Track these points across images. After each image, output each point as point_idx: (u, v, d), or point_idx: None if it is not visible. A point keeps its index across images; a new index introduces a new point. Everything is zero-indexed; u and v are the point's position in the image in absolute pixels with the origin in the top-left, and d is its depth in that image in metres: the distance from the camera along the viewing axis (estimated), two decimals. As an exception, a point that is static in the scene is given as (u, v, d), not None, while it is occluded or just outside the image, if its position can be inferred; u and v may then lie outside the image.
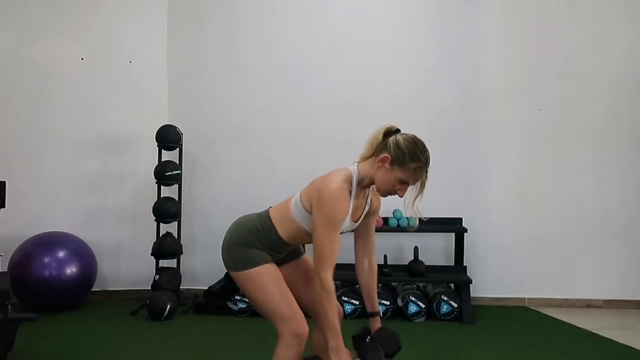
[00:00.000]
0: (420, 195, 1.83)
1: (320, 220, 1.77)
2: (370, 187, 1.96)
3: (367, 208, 1.96)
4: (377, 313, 2.05)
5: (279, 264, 1.97)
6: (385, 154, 1.80)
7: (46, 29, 4.45)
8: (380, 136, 1.85)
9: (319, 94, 4.53)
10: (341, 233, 1.89)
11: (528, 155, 4.44)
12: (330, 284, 1.76)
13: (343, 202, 1.79)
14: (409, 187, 1.84)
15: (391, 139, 1.82)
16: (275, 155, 4.57)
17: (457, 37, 4.49)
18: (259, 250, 1.91)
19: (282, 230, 1.92)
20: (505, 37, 4.46)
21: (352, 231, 2.02)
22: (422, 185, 1.83)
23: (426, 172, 1.82)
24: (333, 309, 1.77)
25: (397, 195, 1.85)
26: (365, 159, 1.88)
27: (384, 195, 1.89)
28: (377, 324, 2.03)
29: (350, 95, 4.46)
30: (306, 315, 1.91)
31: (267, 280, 1.86)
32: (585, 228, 4.39)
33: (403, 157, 1.78)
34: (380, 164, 1.82)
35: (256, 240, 1.91)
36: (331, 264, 1.77)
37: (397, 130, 1.87)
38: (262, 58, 4.59)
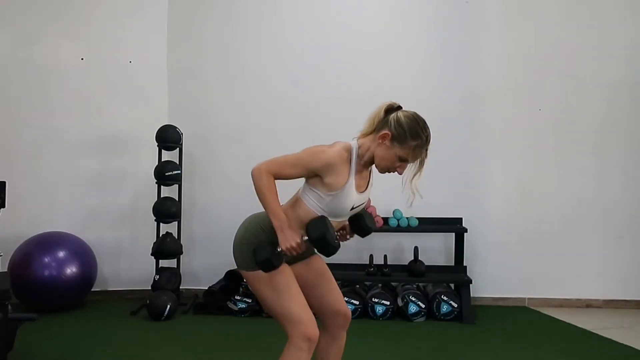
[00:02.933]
0: (419, 173, 1.82)
1: (300, 152, 1.81)
2: (372, 169, 1.94)
3: (369, 187, 1.95)
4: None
5: (289, 263, 1.94)
6: (386, 131, 1.79)
7: (46, 29, 4.45)
8: (382, 112, 1.85)
9: (319, 94, 4.53)
10: (352, 209, 1.88)
11: (528, 155, 4.44)
12: (263, 172, 1.77)
13: (334, 161, 1.78)
14: (408, 165, 1.83)
15: (392, 115, 1.81)
16: (275, 155, 4.55)
17: (457, 37, 4.49)
18: None
19: (294, 222, 1.88)
20: (505, 37, 4.46)
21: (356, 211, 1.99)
22: (422, 164, 1.82)
23: (426, 150, 1.81)
24: (270, 191, 1.77)
25: (396, 172, 1.85)
26: (365, 135, 1.88)
27: (383, 172, 1.88)
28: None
29: (350, 95, 4.45)
30: (314, 315, 1.88)
31: (278, 282, 1.82)
32: (585, 228, 4.38)
33: (403, 134, 1.77)
34: (380, 141, 1.81)
35: (268, 239, 1.86)
36: (274, 168, 1.79)
37: (399, 107, 1.86)
38: (262, 57, 4.59)
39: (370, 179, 1.96)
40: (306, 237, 1.78)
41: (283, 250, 1.76)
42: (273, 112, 4.57)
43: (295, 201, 1.92)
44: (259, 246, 1.78)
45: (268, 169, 1.80)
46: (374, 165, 1.91)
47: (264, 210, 1.95)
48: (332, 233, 1.76)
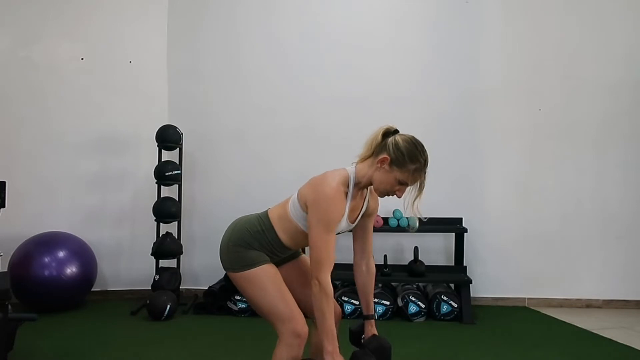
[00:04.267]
0: (419, 197, 1.83)
1: (315, 222, 1.77)
2: (368, 188, 1.95)
3: (364, 209, 1.96)
4: (372, 316, 2.05)
5: (277, 265, 1.96)
6: (384, 155, 1.80)
7: (46, 29, 4.45)
8: (379, 137, 1.85)
9: (319, 93, 4.53)
10: (338, 234, 1.89)
11: (528, 155, 4.44)
12: (329, 287, 1.75)
13: (338, 204, 1.79)
14: (408, 188, 1.84)
15: (390, 139, 1.82)
16: (275, 155, 4.57)
17: (457, 37, 4.49)
18: (258, 251, 1.90)
19: (281, 232, 1.92)
20: (505, 37, 4.46)
21: (350, 231, 2.02)
22: (421, 186, 1.83)
23: (425, 173, 1.82)
24: (331, 313, 1.76)
25: (395, 196, 1.85)
26: (363, 159, 1.88)
27: (382, 195, 1.89)
28: (371, 328, 2.03)
29: (350, 95, 4.45)
30: (305, 315, 1.90)
31: (265, 281, 1.86)
32: (585, 228, 4.38)
33: (402, 158, 1.78)
34: (379, 165, 1.81)
35: (255, 241, 1.90)
36: (329, 266, 1.77)
37: (396, 131, 1.87)
38: (262, 58, 4.59)
39: (365, 200, 1.96)
40: None
41: None
42: (273, 111, 4.58)
43: (284, 214, 1.92)
44: None
45: (327, 274, 1.75)
46: (370, 189, 1.93)
47: (252, 213, 2.01)
48: None
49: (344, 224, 1.87)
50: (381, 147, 1.82)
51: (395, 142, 1.80)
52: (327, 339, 1.75)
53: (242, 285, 1.90)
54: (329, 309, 1.75)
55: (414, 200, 1.83)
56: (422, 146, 1.81)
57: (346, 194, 1.84)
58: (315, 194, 1.80)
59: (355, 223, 1.96)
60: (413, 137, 1.83)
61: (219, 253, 1.98)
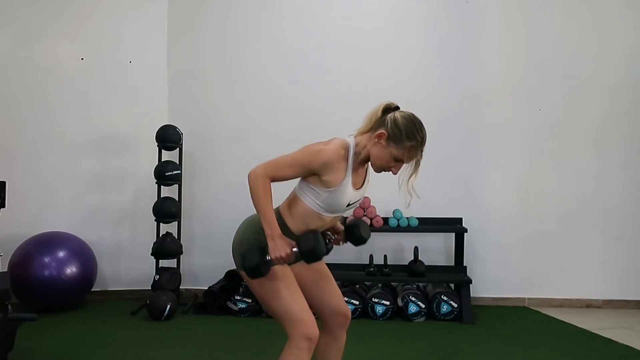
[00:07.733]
0: (414, 174, 1.83)
1: (297, 152, 1.81)
2: (368, 167, 1.95)
3: (365, 184, 1.96)
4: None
5: (289, 264, 1.93)
6: (382, 130, 1.80)
7: (45, 29, 4.45)
8: (379, 112, 1.86)
9: (319, 93, 4.53)
10: (348, 205, 1.88)
11: (528, 155, 4.44)
12: (260, 176, 1.76)
13: (332, 157, 1.78)
14: (404, 165, 1.84)
15: (389, 115, 1.83)
16: (275, 155, 4.53)
17: (457, 37, 4.49)
18: None
19: (293, 222, 1.89)
20: (505, 37, 4.46)
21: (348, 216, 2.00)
22: (417, 164, 1.83)
23: (421, 151, 1.82)
24: (266, 200, 1.76)
25: (391, 172, 1.86)
26: (362, 133, 1.89)
27: (378, 171, 1.89)
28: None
29: (350, 95, 4.44)
30: (315, 315, 1.88)
31: (278, 282, 1.83)
32: (585, 228, 4.38)
33: (399, 135, 1.78)
34: (376, 140, 1.82)
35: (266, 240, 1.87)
36: (271, 171, 1.78)
37: (397, 108, 1.88)
38: (262, 57, 4.59)
39: (367, 176, 1.97)
40: (296, 249, 1.77)
41: (272, 259, 1.75)
42: (273, 111, 4.57)
43: (293, 198, 1.92)
44: (248, 252, 1.78)
45: (265, 172, 1.78)
46: (370, 162, 1.92)
47: (254, 213, 1.96)
48: (322, 247, 1.76)
49: (349, 192, 1.84)
50: (380, 123, 1.83)
51: (394, 118, 1.81)
52: (265, 223, 1.76)
53: (254, 285, 1.87)
54: (262, 191, 1.76)
55: (409, 177, 1.83)
56: (421, 124, 1.82)
57: (346, 158, 1.83)
58: (311, 144, 1.83)
59: (360, 191, 1.93)
60: (412, 114, 1.84)
61: (232, 252, 1.96)
